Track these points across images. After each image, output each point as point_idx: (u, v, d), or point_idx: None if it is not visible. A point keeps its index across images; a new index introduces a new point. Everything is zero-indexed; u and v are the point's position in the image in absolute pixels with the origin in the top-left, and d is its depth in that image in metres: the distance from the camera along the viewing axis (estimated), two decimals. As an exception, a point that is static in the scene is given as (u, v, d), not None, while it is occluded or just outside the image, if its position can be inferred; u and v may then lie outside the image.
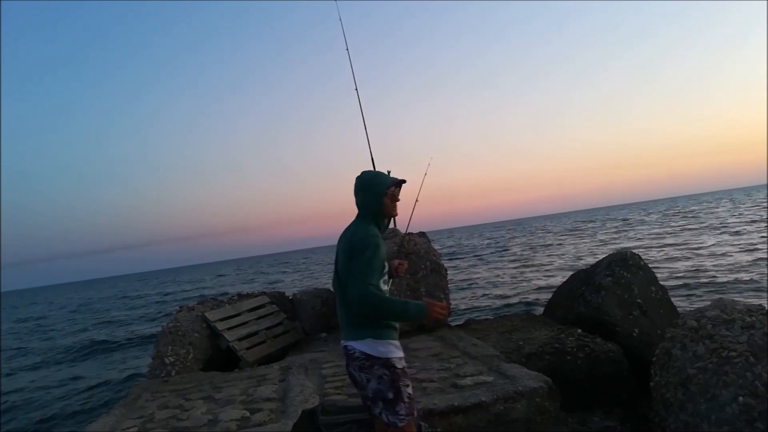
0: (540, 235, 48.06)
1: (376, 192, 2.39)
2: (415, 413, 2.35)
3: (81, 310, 34.57)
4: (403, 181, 2.45)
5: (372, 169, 6.59)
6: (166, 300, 31.22)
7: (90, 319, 25.97)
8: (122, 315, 25.61)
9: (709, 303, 3.68)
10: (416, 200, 6.47)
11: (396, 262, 2.60)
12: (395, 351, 2.33)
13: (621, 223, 48.06)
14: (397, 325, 2.40)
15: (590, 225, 52.85)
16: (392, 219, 2.52)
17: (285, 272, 44.62)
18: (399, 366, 2.32)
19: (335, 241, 2.51)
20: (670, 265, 15.86)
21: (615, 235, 32.41)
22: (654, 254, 18.80)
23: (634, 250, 6.11)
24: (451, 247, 46.29)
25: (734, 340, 3.15)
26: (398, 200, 2.45)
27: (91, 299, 48.13)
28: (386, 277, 2.40)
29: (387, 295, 2.33)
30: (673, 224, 35.28)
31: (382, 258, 2.33)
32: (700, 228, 28.78)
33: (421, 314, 2.18)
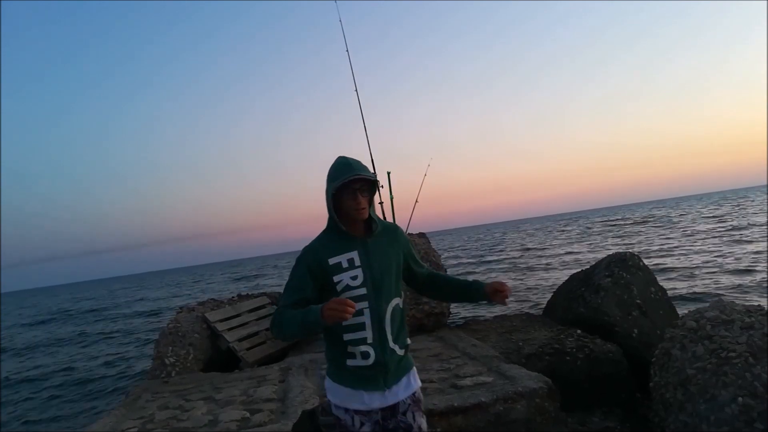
0: (542, 235, 48.05)
1: (326, 189, 1.95)
2: None
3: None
4: (360, 176, 1.90)
5: (372, 170, 6.53)
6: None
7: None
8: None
9: (708, 304, 3.69)
10: (416, 201, 6.48)
11: (494, 285, 2.04)
12: (335, 395, 2.01)
13: (621, 223, 48.07)
14: (358, 361, 1.94)
15: (589, 226, 52.88)
16: (368, 220, 2.03)
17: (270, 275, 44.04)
18: (340, 416, 2.00)
19: None
20: (670, 267, 15.86)
21: (615, 238, 32.38)
22: (654, 255, 18.81)
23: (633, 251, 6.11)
24: (451, 248, 46.28)
25: (733, 341, 3.15)
26: (362, 199, 1.94)
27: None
28: (350, 294, 1.91)
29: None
30: (677, 225, 35.28)
31: (306, 273, 1.92)
32: (703, 229, 28.79)
33: (317, 317, 1.70)
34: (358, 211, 1.93)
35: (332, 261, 1.93)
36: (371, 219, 2.01)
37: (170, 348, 5.76)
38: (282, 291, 2.00)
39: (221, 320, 6.43)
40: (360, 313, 1.89)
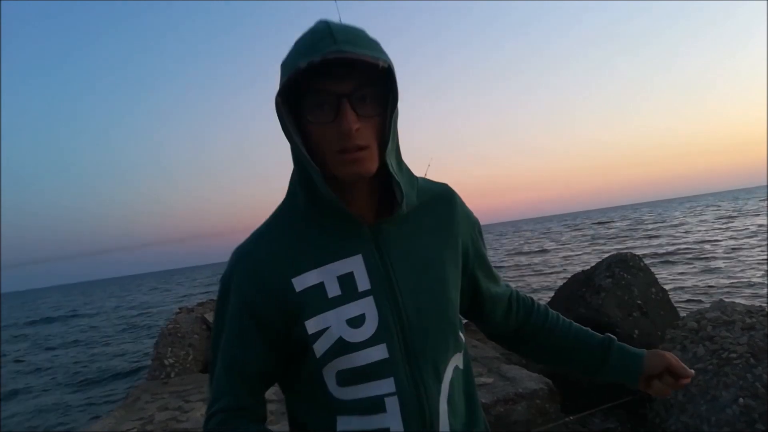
0: (543, 236, 48.06)
1: (276, 105, 0.81)
2: None
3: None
4: (346, 56, 0.75)
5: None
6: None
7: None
8: None
9: (709, 305, 3.68)
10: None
11: (665, 359, 1.02)
12: None
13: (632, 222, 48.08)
14: None
15: (595, 224, 52.88)
16: (380, 180, 0.88)
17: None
18: None
19: None
20: (671, 266, 15.86)
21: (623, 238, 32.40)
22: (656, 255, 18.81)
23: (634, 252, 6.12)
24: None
25: (734, 342, 3.15)
26: (354, 120, 0.78)
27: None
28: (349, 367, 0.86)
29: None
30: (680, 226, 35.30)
31: (244, 319, 0.88)
32: (704, 230, 28.81)
33: None
34: (344, 152, 0.80)
35: (301, 282, 0.86)
36: (389, 176, 0.86)
37: (169, 349, 5.76)
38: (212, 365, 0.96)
39: (221, 321, 6.43)
40: (377, 406, 0.86)
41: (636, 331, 5.11)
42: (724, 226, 28.35)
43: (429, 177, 1.04)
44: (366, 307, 0.86)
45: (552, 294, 7.01)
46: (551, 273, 18.37)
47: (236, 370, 0.89)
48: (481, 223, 1.07)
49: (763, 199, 54.60)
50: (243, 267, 0.89)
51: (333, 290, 0.87)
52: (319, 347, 0.85)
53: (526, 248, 33.52)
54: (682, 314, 5.01)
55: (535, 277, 17.95)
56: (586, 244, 30.02)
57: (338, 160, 0.82)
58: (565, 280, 6.79)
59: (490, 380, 3.85)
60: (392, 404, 0.86)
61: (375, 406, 0.86)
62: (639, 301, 5.39)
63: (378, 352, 0.86)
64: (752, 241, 19.72)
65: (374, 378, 0.86)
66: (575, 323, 1.11)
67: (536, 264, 22.33)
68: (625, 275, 5.58)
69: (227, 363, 0.90)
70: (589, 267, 6.42)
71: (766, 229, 22.59)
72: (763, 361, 2.98)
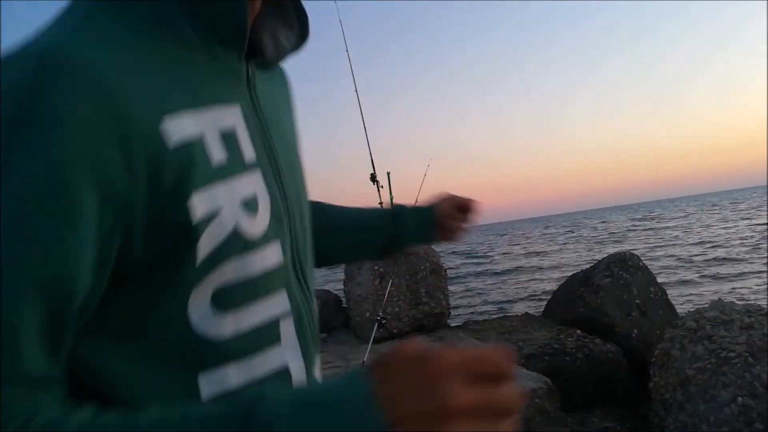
0: (540, 235, 48.11)
1: None
2: None
3: None
4: None
5: (372, 170, 5.32)
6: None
7: None
8: None
9: (707, 304, 3.69)
10: (416, 201, 6.48)
11: (449, 197, 1.00)
12: None
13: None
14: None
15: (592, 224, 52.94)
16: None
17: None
18: None
19: None
20: (670, 265, 15.88)
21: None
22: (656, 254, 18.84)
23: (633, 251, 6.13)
24: (451, 247, 46.34)
25: (733, 341, 3.16)
26: None
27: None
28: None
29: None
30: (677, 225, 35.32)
31: (81, 189, 0.42)
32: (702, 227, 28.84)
33: None
34: None
35: (176, 128, 0.48)
36: None
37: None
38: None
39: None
40: (271, 336, 0.58)
41: (635, 331, 5.13)
42: (723, 226, 28.39)
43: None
44: (256, 184, 0.55)
45: (551, 294, 7.03)
46: (550, 272, 18.40)
47: (44, 299, 0.42)
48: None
49: (763, 199, 54.67)
50: (89, 91, 0.43)
51: (217, 152, 0.51)
52: (206, 243, 0.49)
53: (525, 248, 33.56)
54: (681, 313, 5.03)
55: (534, 277, 17.97)
56: (585, 243, 30.05)
57: None
58: (563, 280, 6.82)
59: (489, 379, 3.86)
60: (287, 329, 0.58)
61: (268, 336, 0.56)
62: (638, 301, 5.40)
63: (273, 254, 0.56)
64: (751, 240, 19.76)
65: (267, 293, 0.55)
66: (352, 207, 0.97)
67: (535, 264, 22.35)
68: (624, 275, 5.60)
69: (27, 281, 0.41)
70: (588, 266, 6.44)
71: (765, 228, 22.63)
72: (762, 360, 2.99)
